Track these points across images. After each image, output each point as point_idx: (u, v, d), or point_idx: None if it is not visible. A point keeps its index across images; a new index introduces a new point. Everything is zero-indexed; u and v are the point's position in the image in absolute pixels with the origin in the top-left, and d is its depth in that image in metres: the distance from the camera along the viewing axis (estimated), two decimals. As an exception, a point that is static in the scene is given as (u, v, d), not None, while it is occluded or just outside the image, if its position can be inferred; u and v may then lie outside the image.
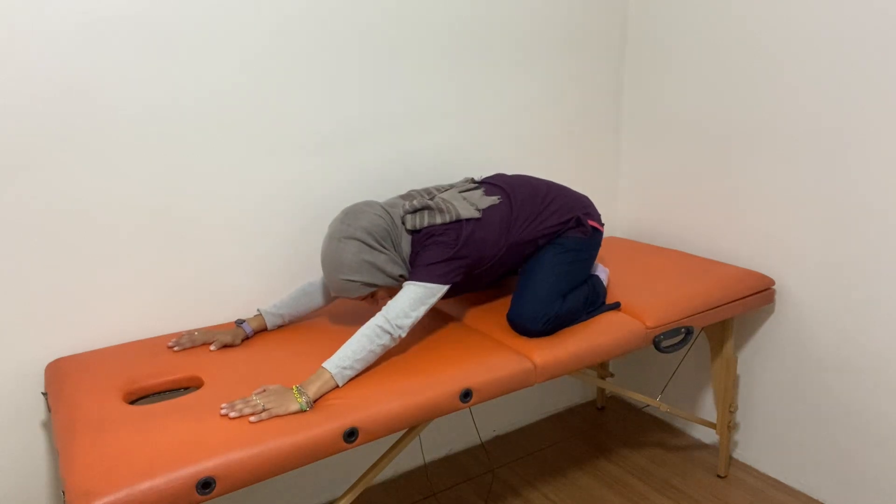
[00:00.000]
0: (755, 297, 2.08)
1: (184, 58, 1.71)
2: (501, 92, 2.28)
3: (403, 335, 1.54)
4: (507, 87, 2.29)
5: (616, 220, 2.74)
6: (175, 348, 1.67)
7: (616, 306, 1.90)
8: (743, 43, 2.15)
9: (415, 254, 1.67)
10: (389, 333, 1.50)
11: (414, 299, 1.55)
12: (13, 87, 1.53)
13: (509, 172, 2.36)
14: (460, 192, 1.81)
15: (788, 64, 2.03)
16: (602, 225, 1.91)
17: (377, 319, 1.51)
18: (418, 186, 2.16)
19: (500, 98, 2.28)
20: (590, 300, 1.83)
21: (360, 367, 1.48)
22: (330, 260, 1.61)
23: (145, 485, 1.15)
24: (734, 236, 2.28)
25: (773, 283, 2.14)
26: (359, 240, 1.59)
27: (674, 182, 2.46)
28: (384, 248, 1.62)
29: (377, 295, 1.68)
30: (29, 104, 1.55)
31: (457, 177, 2.24)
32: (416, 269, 1.61)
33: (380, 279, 1.62)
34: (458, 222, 1.68)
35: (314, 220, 2.00)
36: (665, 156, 2.48)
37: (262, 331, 1.77)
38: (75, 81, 1.59)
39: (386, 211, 1.67)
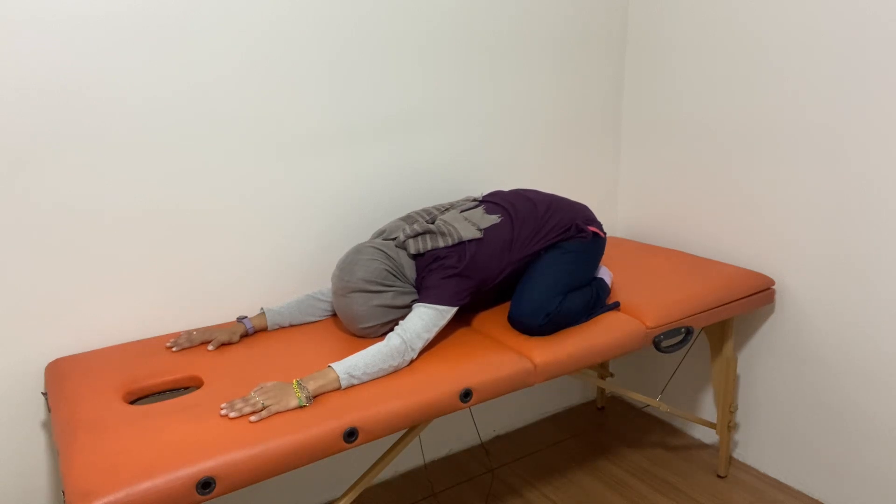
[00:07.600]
0: (755, 297, 2.08)
1: (183, 57, 1.71)
2: (501, 92, 2.28)
3: (415, 357, 1.58)
4: (507, 87, 2.29)
5: (616, 220, 2.74)
6: (174, 349, 1.67)
7: (615, 306, 1.90)
8: (743, 43, 2.15)
9: (421, 277, 1.71)
10: (403, 356, 1.54)
11: (427, 321, 1.60)
12: (11, 85, 1.53)
13: (509, 172, 2.36)
14: (461, 211, 1.83)
15: (788, 64, 2.03)
16: (604, 232, 1.92)
17: (395, 340, 1.54)
18: (418, 185, 2.17)
19: (499, 98, 2.28)
20: (591, 303, 1.83)
21: (366, 379, 1.50)
22: (344, 315, 1.70)
23: (145, 485, 1.15)
24: (734, 236, 2.28)
25: (773, 283, 2.14)
26: (361, 290, 1.66)
27: (674, 182, 2.46)
28: (387, 285, 1.67)
29: (398, 322, 1.71)
30: (29, 103, 1.55)
31: (455, 176, 2.24)
32: (426, 292, 1.65)
33: (394, 314, 1.69)
34: (461, 244, 1.71)
35: (315, 220, 2.00)
36: (665, 156, 2.48)
37: (262, 330, 1.78)
38: (75, 80, 1.59)
39: (376, 249, 1.70)
